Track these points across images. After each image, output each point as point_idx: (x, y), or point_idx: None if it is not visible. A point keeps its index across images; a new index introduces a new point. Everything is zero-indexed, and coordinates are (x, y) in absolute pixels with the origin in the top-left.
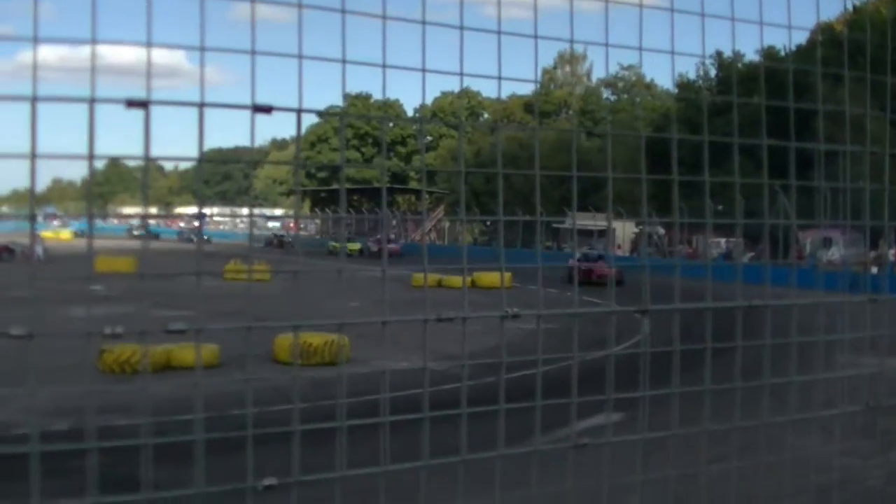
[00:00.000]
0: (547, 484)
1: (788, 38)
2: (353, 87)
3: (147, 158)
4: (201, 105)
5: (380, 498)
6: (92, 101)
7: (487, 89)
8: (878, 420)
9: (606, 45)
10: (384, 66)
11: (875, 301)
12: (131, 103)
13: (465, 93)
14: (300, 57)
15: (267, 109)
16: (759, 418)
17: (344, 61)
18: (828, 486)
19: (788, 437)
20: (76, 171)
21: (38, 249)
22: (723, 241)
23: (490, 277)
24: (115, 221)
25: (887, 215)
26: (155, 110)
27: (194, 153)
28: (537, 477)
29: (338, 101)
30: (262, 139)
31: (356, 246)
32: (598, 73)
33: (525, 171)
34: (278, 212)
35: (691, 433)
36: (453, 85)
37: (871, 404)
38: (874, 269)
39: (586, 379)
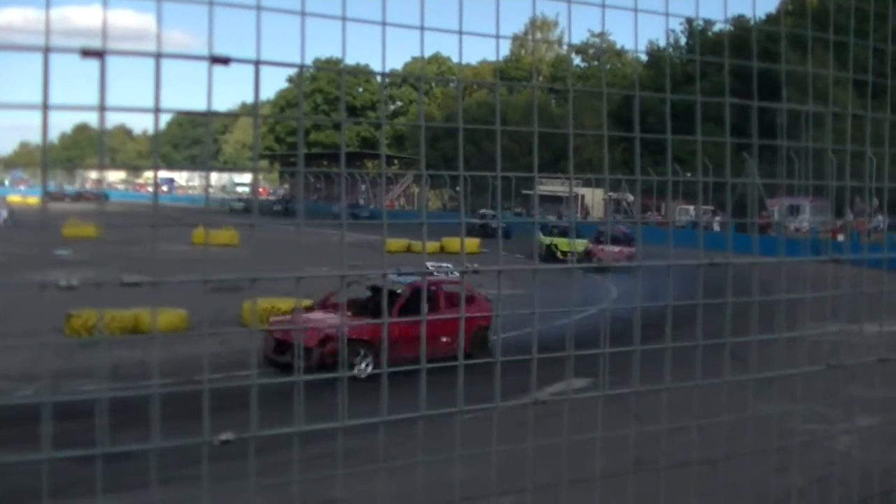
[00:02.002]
0: (508, 443)
1: (752, 4)
2: (324, 53)
3: (102, 108)
4: (158, 56)
5: (341, 452)
6: (46, 51)
7: (458, 55)
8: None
9: (569, 0)
10: (343, 18)
11: (837, 262)
12: (87, 52)
13: (436, 58)
14: (258, 9)
15: (224, 60)
16: (721, 378)
17: (303, 13)
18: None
19: (749, 397)
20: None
21: (3, 213)
22: (691, 208)
23: (458, 243)
24: (87, 185)
25: (849, 178)
26: (122, 74)
27: (164, 116)
28: (499, 438)
29: (306, 66)
30: (231, 103)
31: (581, 245)
32: (571, 41)
33: (494, 133)
34: (247, 177)
35: (653, 390)
36: (425, 50)
37: (831, 364)
38: (840, 237)
39: (551, 346)
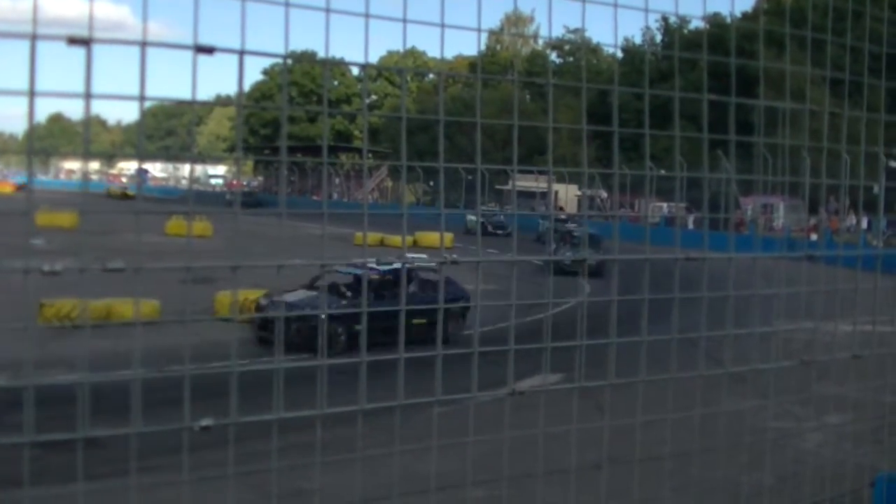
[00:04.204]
0: (484, 434)
1: (731, 1)
2: (297, 46)
3: (88, 96)
4: (144, 44)
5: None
6: (34, 38)
7: (433, 50)
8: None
9: None
10: (328, 10)
11: (812, 259)
12: (73, 40)
13: (411, 52)
14: None
15: (209, 50)
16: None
17: (287, 4)
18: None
19: (722, 393)
20: (17, 125)
21: None
22: (664, 205)
23: (431, 237)
24: (61, 176)
25: (825, 175)
26: (99, 66)
27: (137, 108)
28: (474, 430)
29: (290, 56)
30: (205, 94)
31: None
32: (546, 36)
33: (468, 129)
34: (221, 168)
35: (628, 383)
36: (399, 44)
37: (804, 360)
38: (814, 237)
39: (525, 340)
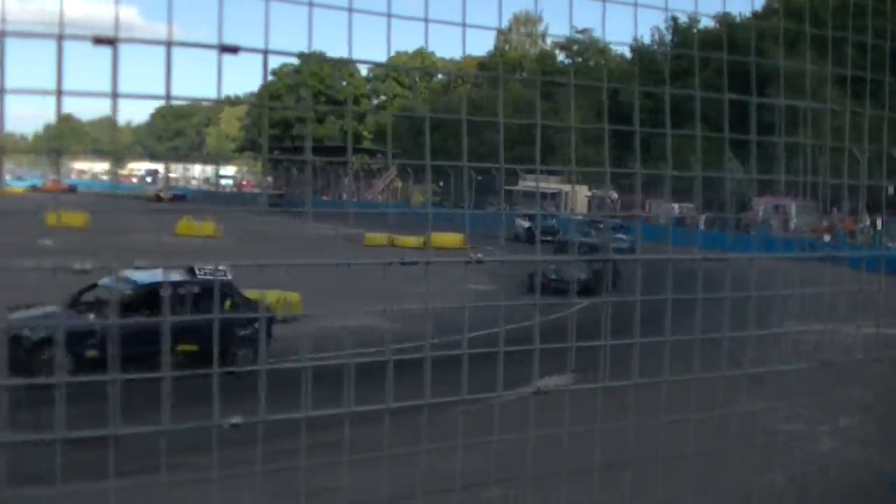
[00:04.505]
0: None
1: (751, 1)
2: (303, 46)
3: (115, 95)
4: (169, 44)
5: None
6: (60, 38)
7: (441, 50)
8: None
9: None
10: (350, 10)
11: (832, 259)
12: (99, 40)
13: (419, 53)
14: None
15: (234, 49)
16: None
17: (311, 4)
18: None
19: (742, 393)
20: (28, 126)
21: None
22: (676, 206)
23: (443, 238)
24: (72, 176)
25: (846, 176)
26: (108, 66)
27: (148, 108)
28: (498, 429)
29: (299, 59)
30: (214, 94)
31: None
32: (559, 36)
33: (484, 127)
34: (230, 169)
35: (651, 383)
36: (408, 45)
37: (823, 361)
38: (826, 237)
39: (546, 340)
